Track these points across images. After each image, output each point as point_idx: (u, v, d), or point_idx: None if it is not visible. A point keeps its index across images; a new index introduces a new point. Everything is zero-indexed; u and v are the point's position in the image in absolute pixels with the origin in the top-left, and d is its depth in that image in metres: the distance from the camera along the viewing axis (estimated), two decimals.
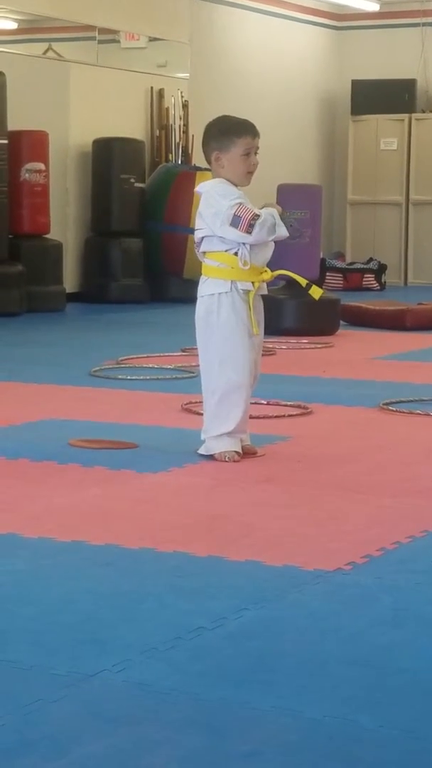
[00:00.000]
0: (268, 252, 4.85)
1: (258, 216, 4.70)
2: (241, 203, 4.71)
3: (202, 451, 4.84)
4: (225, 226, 4.71)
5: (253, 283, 4.80)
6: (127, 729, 2.37)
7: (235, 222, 4.70)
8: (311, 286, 5.07)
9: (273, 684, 2.59)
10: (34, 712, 2.43)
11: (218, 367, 4.79)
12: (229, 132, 4.80)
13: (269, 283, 4.97)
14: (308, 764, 2.24)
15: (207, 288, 4.84)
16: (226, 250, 4.78)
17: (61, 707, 2.46)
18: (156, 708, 2.47)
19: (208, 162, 4.89)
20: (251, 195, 4.91)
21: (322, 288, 5.24)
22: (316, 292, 5.09)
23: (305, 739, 2.34)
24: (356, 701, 2.51)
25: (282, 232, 4.77)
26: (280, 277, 5.23)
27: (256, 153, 4.82)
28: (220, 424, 4.79)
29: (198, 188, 4.88)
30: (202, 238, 4.82)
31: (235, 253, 4.76)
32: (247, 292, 4.79)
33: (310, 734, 2.36)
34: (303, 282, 5.08)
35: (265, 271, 4.84)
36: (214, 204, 4.74)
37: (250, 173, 4.83)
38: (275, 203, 4.95)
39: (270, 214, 4.74)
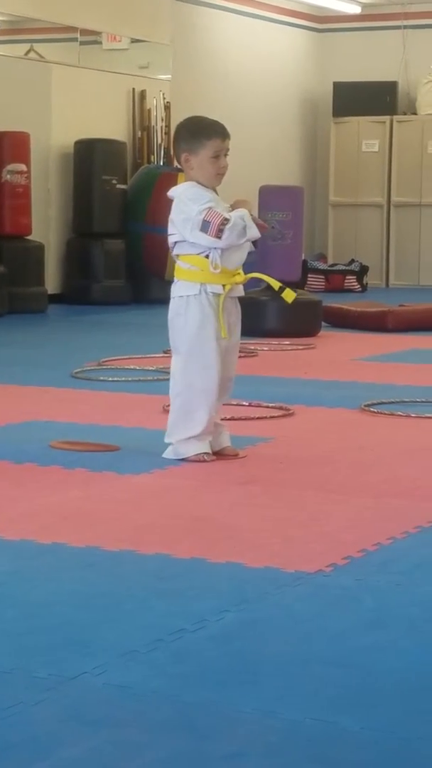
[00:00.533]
0: (243, 254, 4.79)
1: (227, 220, 4.66)
2: (210, 208, 4.66)
3: (169, 455, 4.81)
4: (195, 232, 4.67)
5: (224, 286, 4.77)
6: (108, 732, 2.36)
7: (204, 227, 4.66)
8: (284, 289, 5.03)
9: (255, 685, 2.59)
10: (15, 715, 2.42)
11: (182, 370, 4.77)
12: (199, 134, 4.74)
13: (249, 285, 4.94)
14: (290, 766, 2.24)
15: (177, 290, 4.81)
16: (198, 253, 4.75)
17: (42, 710, 2.45)
18: (137, 710, 2.46)
19: (179, 163, 4.85)
20: (233, 197, 4.89)
21: (296, 291, 5.21)
22: (288, 296, 5.03)
23: (287, 740, 2.34)
24: (338, 703, 2.51)
25: (253, 233, 4.71)
26: (255, 279, 5.20)
27: (226, 155, 4.75)
28: (184, 428, 4.76)
29: (170, 192, 4.83)
30: (175, 242, 4.79)
31: (207, 256, 4.73)
32: (217, 295, 4.77)
33: (292, 736, 2.36)
34: (276, 285, 5.06)
35: (239, 273, 4.82)
36: (184, 209, 4.71)
37: (220, 175, 4.78)
38: (245, 200, 4.86)
39: (240, 216, 4.68)
